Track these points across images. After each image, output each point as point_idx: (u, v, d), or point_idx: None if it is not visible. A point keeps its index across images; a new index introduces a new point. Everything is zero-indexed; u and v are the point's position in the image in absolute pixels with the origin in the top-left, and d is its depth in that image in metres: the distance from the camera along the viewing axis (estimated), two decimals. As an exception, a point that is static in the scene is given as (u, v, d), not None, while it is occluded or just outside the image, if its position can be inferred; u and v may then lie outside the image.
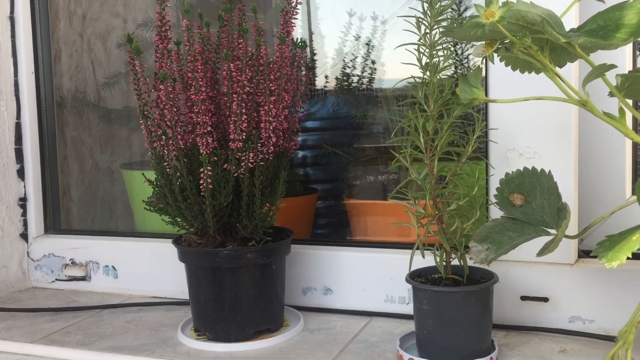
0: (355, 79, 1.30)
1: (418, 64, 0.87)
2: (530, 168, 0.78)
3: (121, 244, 1.19)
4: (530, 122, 0.91)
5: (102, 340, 0.95)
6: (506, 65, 0.76)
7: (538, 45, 0.67)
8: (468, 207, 0.85)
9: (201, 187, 0.87)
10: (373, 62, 1.26)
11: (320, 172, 1.40)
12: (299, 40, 0.96)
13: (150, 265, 1.16)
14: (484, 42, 0.70)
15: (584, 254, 0.94)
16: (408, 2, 0.86)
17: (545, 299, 0.92)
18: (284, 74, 0.88)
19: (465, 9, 1.09)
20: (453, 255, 0.86)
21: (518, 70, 0.75)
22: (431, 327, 0.80)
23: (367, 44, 1.26)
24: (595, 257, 0.93)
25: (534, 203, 0.74)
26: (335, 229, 1.36)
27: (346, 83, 1.30)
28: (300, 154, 1.40)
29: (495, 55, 0.69)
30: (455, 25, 0.86)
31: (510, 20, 0.64)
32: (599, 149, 0.98)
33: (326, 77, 1.34)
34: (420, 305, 0.81)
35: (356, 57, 1.27)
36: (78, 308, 1.10)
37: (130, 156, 1.55)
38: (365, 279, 1.02)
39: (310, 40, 1.39)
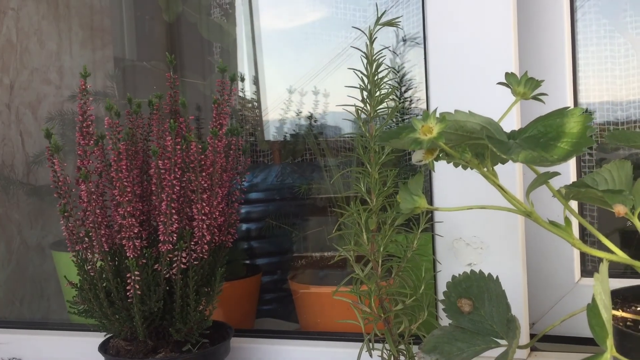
0: (299, 150, 1.27)
1: (360, 154, 0.83)
2: (480, 262, 0.75)
3: (48, 338, 1.10)
4: (476, 212, 0.88)
5: None
6: (447, 162, 0.73)
7: (479, 153, 0.64)
8: (416, 305, 0.81)
9: (129, 292, 0.80)
10: (316, 137, 1.23)
11: (264, 245, 1.34)
12: (234, 127, 0.91)
13: (83, 362, 1.07)
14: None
15: (536, 347, 0.90)
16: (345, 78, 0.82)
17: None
18: (217, 168, 0.82)
19: (407, 89, 1.07)
20: (402, 357, 0.82)
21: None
22: None
23: (309, 118, 1.23)
24: (549, 350, 0.91)
25: (482, 310, 0.70)
26: (282, 306, 1.30)
27: (290, 153, 1.26)
28: (244, 226, 1.34)
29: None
30: (397, 117, 0.84)
31: (449, 131, 0.61)
32: (545, 230, 0.95)
33: (269, 146, 1.30)
34: (368, 417, 0.76)
35: (299, 130, 1.23)
36: (-3, 416, 1.00)
37: (58, 233, 1.45)
38: (312, 375, 0.96)
39: (259, 104, 1.36)
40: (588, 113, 0.60)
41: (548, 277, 0.96)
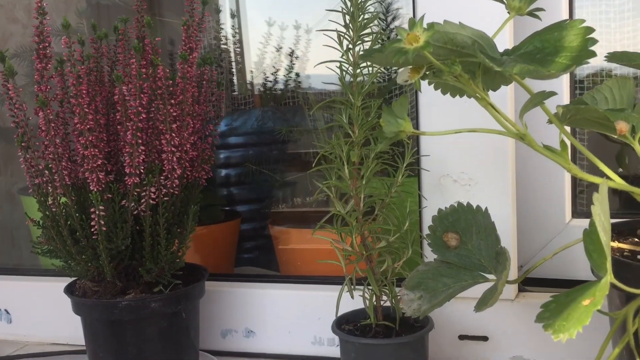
0: (279, 91, 1.20)
1: (340, 83, 0.77)
2: (468, 200, 0.70)
3: (16, 284, 1.05)
4: (464, 146, 0.83)
5: (-17, 408, 0.82)
6: (435, 88, 0.67)
7: (469, 70, 0.58)
8: (399, 243, 0.77)
9: (93, 229, 0.75)
10: (297, 75, 1.16)
11: (244, 191, 1.29)
12: (208, 56, 0.85)
13: (49, 308, 1.02)
14: (409, 67, 0.61)
15: (523, 286, 0.87)
16: (327, 14, 0.76)
17: (485, 338, 0.84)
18: (188, 97, 0.76)
19: (394, 19, 1.01)
20: (385, 297, 0.77)
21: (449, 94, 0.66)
22: (360, 382, 0.71)
23: (290, 55, 1.16)
24: (537, 291, 0.88)
25: (469, 244, 0.66)
26: (262, 253, 1.26)
27: (270, 96, 1.20)
28: (223, 172, 1.28)
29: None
30: (381, 42, 0.78)
31: (437, 44, 0.55)
32: (535, 169, 0.91)
33: (249, 89, 1.23)
34: (348, 357, 0.72)
35: (278, 69, 1.17)
36: (-38, 363, 0.96)
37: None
38: (291, 319, 0.92)
39: (241, 49, 1.28)
40: (588, 26, 0.54)
41: (537, 217, 0.92)
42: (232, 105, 1.28)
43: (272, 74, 1.17)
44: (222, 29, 1.27)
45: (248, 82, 1.31)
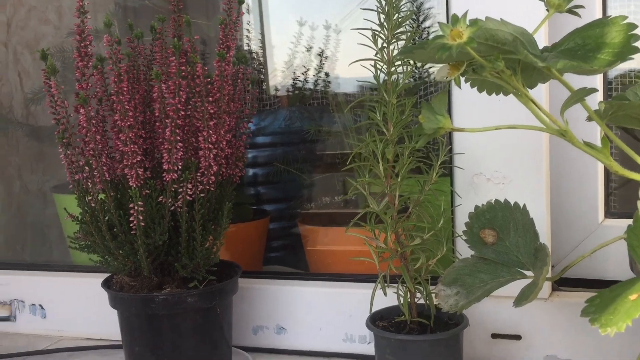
0: (308, 91, 1.21)
1: (375, 81, 0.78)
2: (501, 199, 0.70)
3: (50, 279, 1.07)
4: (498, 144, 0.83)
5: (22, 400, 0.83)
6: (472, 86, 0.67)
7: (510, 67, 0.59)
8: (433, 241, 0.77)
9: (132, 224, 0.76)
10: (327, 75, 1.17)
11: (272, 191, 1.30)
12: (242, 54, 0.86)
13: (83, 304, 1.04)
14: (448, 64, 0.61)
15: (557, 286, 0.86)
16: (362, 13, 0.76)
17: (518, 337, 0.84)
18: (224, 94, 0.77)
19: (425, 19, 1.01)
20: (418, 294, 0.78)
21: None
22: (393, 378, 0.72)
23: (320, 55, 1.17)
24: (571, 290, 0.87)
25: (507, 241, 0.66)
26: (291, 253, 1.27)
27: (298, 96, 1.21)
28: (251, 171, 1.29)
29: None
30: (414, 41, 0.78)
31: (479, 40, 0.56)
32: (569, 168, 0.91)
33: (276, 90, 1.24)
34: (383, 354, 0.72)
35: (308, 69, 1.17)
36: (0, 355, 0.98)
37: (65, 177, 1.41)
38: (322, 316, 0.93)
39: (264, 51, 1.29)
40: (631, 22, 0.54)
41: (570, 217, 0.92)
42: (259, 106, 1.29)
43: (302, 73, 1.18)
44: (248, 29, 1.28)
45: (273, 83, 1.32)
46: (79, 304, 1.04)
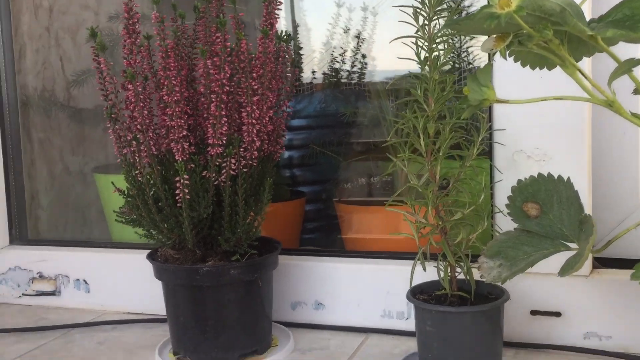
0: (344, 73, 1.22)
1: (416, 58, 0.78)
2: (544, 173, 0.70)
3: (93, 255, 1.10)
4: (539, 122, 0.83)
5: (71, 367, 0.86)
6: (515, 60, 0.67)
7: (557, 38, 0.59)
8: (474, 216, 0.78)
9: (177, 197, 0.78)
10: (363, 56, 1.18)
11: (307, 173, 1.31)
12: (283, 33, 0.87)
13: (125, 279, 1.07)
14: (493, 35, 0.61)
15: (598, 263, 0.86)
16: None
17: (558, 314, 0.84)
18: (267, 71, 0.79)
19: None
20: (458, 269, 0.78)
21: (528, 66, 0.67)
22: (436, 350, 0.73)
23: (357, 37, 1.18)
24: (611, 268, 0.87)
25: (551, 214, 0.66)
26: (325, 234, 1.28)
27: (334, 78, 1.21)
28: (287, 154, 1.31)
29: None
30: (456, 15, 0.78)
31: (527, 11, 0.56)
32: (609, 149, 0.90)
33: (313, 72, 1.25)
34: (424, 326, 0.73)
35: (345, 50, 1.18)
36: (46, 327, 1.01)
37: (105, 158, 1.45)
38: (360, 292, 0.94)
39: (295, 32, 1.30)
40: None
41: (609, 198, 0.91)
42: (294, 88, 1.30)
43: (339, 55, 1.19)
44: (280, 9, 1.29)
45: (309, 66, 1.32)
46: (121, 279, 1.07)
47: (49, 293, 1.11)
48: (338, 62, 1.19)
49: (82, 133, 1.43)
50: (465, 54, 1.04)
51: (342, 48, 1.18)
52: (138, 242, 1.09)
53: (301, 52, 1.23)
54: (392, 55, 1.18)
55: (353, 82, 1.22)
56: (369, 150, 1.24)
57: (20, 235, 1.18)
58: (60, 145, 1.40)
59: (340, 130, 1.27)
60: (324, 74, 1.26)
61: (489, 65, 0.63)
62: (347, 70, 1.19)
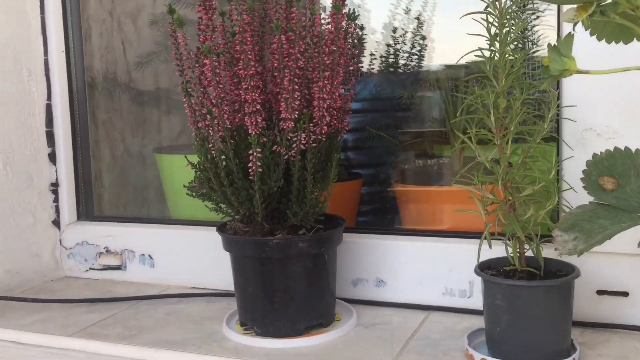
0: (402, 56, 1.22)
1: (487, 34, 0.79)
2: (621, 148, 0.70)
3: (157, 231, 1.13)
4: (610, 99, 0.83)
5: (143, 334, 0.89)
6: (592, 34, 0.67)
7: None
8: (544, 192, 0.78)
9: (250, 170, 0.80)
10: (423, 38, 1.18)
11: (363, 156, 1.32)
12: (350, 10, 0.88)
13: (188, 254, 1.10)
14: (574, 5, 0.61)
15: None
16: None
17: (625, 294, 0.84)
18: (339, 47, 0.80)
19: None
20: (526, 246, 0.79)
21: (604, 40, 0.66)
22: (505, 324, 0.73)
23: (417, 18, 1.18)
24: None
25: (628, 187, 0.66)
26: (380, 217, 1.29)
27: (393, 61, 1.22)
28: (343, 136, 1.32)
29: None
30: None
31: (615, -23, 0.56)
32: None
33: (371, 54, 1.26)
34: (493, 300, 0.74)
35: (406, 32, 1.18)
36: (114, 299, 1.05)
37: (161, 140, 1.49)
38: (422, 270, 0.95)
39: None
40: None
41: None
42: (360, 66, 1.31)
43: (400, 35, 1.19)
44: None
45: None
46: (184, 255, 1.10)
47: (115, 267, 1.15)
48: (398, 43, 1.19)
49: (141, 115, 1.47)
50: (529, 32, 1.03)
51: (402, 29, 1.19)
52: (197, 219, 1.12)
53: (364, 32, 1.24)
54: (452, 37, 1.19)
55: (410, 65, 1.23)
56: (425, 134, 1.24)
57: (86, 212, 1.23)
58: (122, 127, 1.44)
59: (396, 114, 1.28)
60: (381, 56, 1.26)
61: (570, 36, 0.63)
62: (407, 52, 1.19)
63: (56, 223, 1.19)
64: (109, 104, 1.40)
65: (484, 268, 0.78)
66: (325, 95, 0.80)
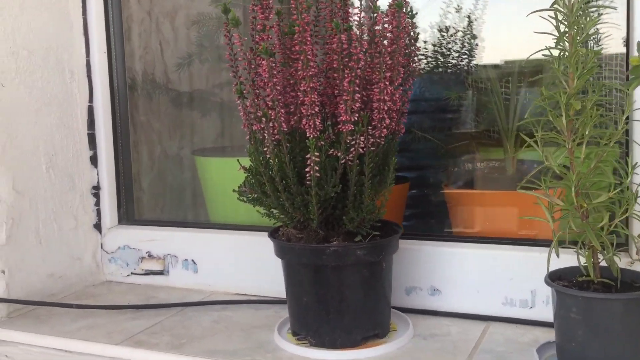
0: (452, 56, 1.18)
1: (556, 32, 0.75)
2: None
3: (201, 236, 1.11)
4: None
5: (193, 343, 0.87)
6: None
7: None
8: (618, 198, 0.73)
9: (307, 175, 0.77)
10: (474, 37, 1.14)
11: (407, 159, 1.28)
12: (409, 8, 0.85)
13: (232, 260, 1.07)
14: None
15: None
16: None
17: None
18: (401, 46, 0.77)
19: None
20: (599, 256, 0.75)
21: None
22: (581, 338, 0.69)
23: (468, 17, 1.14)
24: None
25: None
26: (427, 221, 1.25)
27: (441, 61, 1.18)
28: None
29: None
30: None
31: None
32: None
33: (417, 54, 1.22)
34: (567, 313, 0.70)
35: (457, 30, 1.15)
36: (159, 305, 1.02)
37: (199, 142, 1.46)
38: (480, 278, 0.91)
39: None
40: None
41: None
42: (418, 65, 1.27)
43: (450, 35, 1.15)
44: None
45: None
46: (228, 260, 1.08)
47: (158, 272, 1.13)
48: (449, 42, 1.15)
49: (179, 117, 1.45)
50: (594, 31, 0.99)
51: (454, 28, 1.15)
52: (247, 225, 1.09)
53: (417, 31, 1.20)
54: (505, 36, 1.14)
55: (462, 63, 1.19)
56: (473, 135, 1.20)
57: (127, 215, 1.21)
58: (159, 129, 1.42)
59: (442, 116, 1.24)
60: (428, 56, 1.23)
61: (662, 34, 0.59)
62: (458, 52, 1.15)
63: (97, 227, 1.18)
64: (147, 106, 1.38)
65: (554, 278, 0.74)
66: (386, 97, 0.76)
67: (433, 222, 1.20)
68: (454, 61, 1.16)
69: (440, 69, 1.21)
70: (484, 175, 1.10)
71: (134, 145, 1.32)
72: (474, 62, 1.19)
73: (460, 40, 1.15)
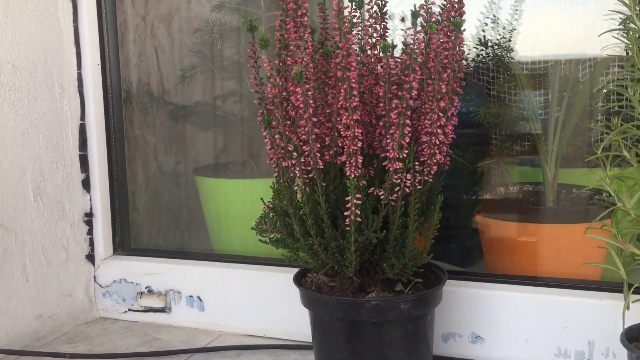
0: (489, 71, 1.08)
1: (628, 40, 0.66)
2: None
3: (208, 270, 1.00)
4: None
5: (208, 406, 0.76)
6: None
7: None
8: None
9: (347, 220, 0.67)
10: (511, 50, 1.04)
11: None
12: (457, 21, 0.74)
13: (243, 297, 0.96)
14: None
15: None
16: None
17: None
18: (456, 71, 0.66)
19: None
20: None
21: None
22: (670, 414, 0.60)
23: (504, 28, 1.04)
24: None
25: None
26: (456, 255, 1.15)
27: (474, 73, 1.08)
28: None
29: None
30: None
31: None
32: None
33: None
34: (652, 383, 0.61)
35: (496, 43, 1.05)
36: (164, 353, 0.91)
37: (197, 157, 1.34)
38: (529, 326, 0.81)
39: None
40: None
41: None
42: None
43: (481, 45, 1.05)
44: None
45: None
46: (239, 297, 0.97)
47: (159, 310, 1.02)
48: (488, 56, 1.05)
49: (175, 130, 1.33)
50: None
51: (490, 41, 1.05)
52: (262, 257, 0.98)
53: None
54: (540, 45, 1.05)
55: (489, 75, 1.08)
56: (500, 154, 1.11)
57: (122, 244, 1.09)
58: (154, 143, 1.30)
59: (468, 132, 1.14)
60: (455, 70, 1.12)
61: None
62: (494, 64, 1.05)
63: (90, 258, 1.06)
64: (142, 119, 1.26)
65: (631, 339, 0.65)
66: (438, 130, 0.66)
67: (462, 253, 1.09)
68: (491, 74, 1.06)
69: (474, 83, 1.11)
70: (521, 202, 1.00)
71: (128, 162, 1.20)
72: (505, 74, 1.09)
73: (497, 51, 1.05)
